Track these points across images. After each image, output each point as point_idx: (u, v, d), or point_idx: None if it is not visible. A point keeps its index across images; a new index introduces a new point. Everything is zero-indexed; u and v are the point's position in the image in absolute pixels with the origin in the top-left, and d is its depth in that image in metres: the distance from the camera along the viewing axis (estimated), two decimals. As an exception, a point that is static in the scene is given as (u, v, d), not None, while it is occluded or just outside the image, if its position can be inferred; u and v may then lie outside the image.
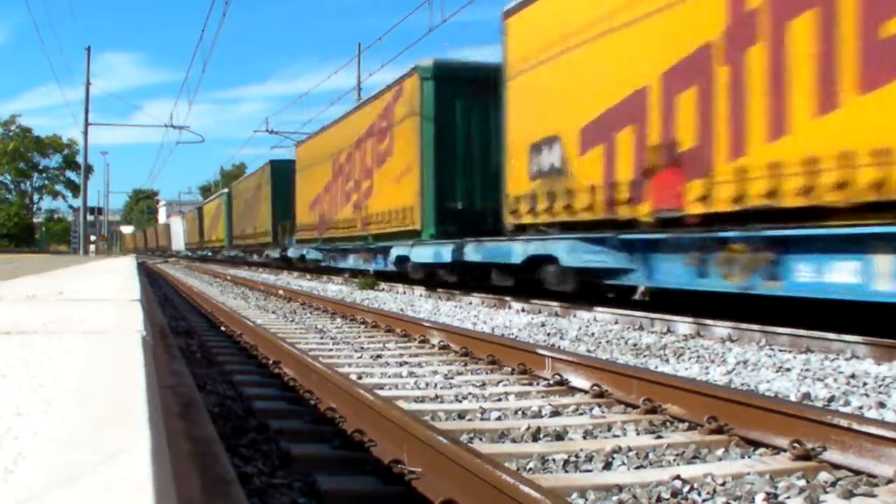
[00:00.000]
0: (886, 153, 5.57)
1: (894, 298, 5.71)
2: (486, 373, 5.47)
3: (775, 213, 6.58)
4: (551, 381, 4.93)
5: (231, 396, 4.46)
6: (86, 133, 33.45)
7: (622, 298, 9.89)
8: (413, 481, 2.84)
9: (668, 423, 3.84)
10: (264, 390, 4.74)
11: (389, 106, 15.79)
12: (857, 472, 2.93)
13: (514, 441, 3.56)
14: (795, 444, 3.14)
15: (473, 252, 11.83)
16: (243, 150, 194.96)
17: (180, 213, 57.19)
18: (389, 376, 5.36)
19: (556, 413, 4.14)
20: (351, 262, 18.89)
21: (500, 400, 4.52)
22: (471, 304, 11.71)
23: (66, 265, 10.35)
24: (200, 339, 7.32)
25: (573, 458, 3.18)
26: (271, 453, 3.20)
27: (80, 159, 50.75)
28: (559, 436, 3.63)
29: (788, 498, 2.70)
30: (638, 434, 3.65)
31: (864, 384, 4.77)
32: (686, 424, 3.77)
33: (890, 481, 2.80)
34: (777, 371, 5.31)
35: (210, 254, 43.41)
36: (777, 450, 3.26)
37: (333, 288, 16.78)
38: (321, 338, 7.72)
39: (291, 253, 24.44)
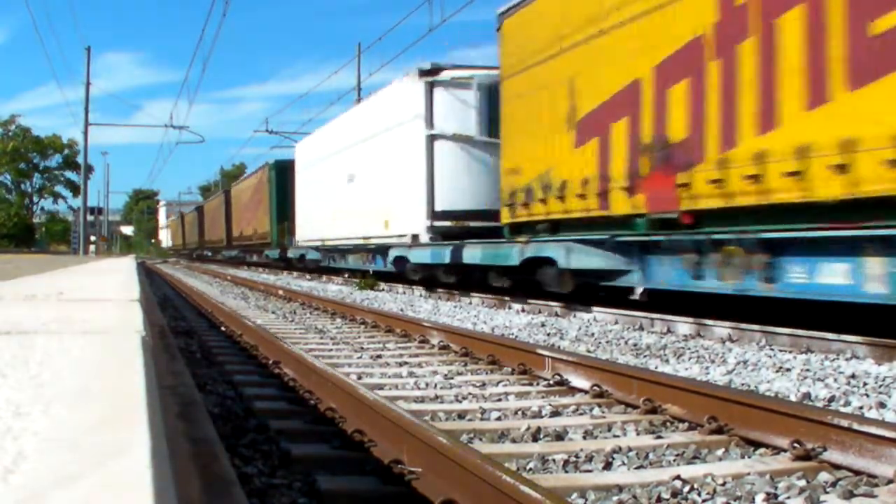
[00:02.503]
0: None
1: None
2: (486, 373, 5.47)
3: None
4: (551, 382, 4.93)
5: (231, 396, 4.46)
6: (86, 133, 33.48)
7: (621, 299, 9.83)
8: (413, 481, 2.84)
9: (668, 424, 3.84)
10: (264, 390, 4.74)
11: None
12: (857, 473, 2.93)
13: (514, 441, 3.55)
14: (796, 445, 3.14)
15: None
16: (243, 150, 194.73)
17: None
18: (389, 376, 5.36)
19: (556, 413, 4.13)
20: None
21: (500, 400, 4.52)
22: (471, 304, 11.71)
23: (65, 265, 10.35)
24: (200, 339, 7.32)
25: (573, 459, 3.18)
26: (271, 453, 3.20)
27: (80, 159, 50.69)
28: (559, 436, 3.63)
29: (788, 498, 2.70)
30: (638, 434, 3.65)
31: (865, 384, 4.77)
32: (686, 424, 3.77)
33: (890, 481, 2.80)
34: (777, 371, 5.31)
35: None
36: (777, 450, 3.26)
37: (333, 288, 16.77)
38: (321, 338, 7.73)
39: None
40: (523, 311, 10.27)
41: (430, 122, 13.47)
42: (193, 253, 50.91)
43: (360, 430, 3.46)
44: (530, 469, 3.07)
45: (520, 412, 4.13)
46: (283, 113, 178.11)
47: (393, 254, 14.88)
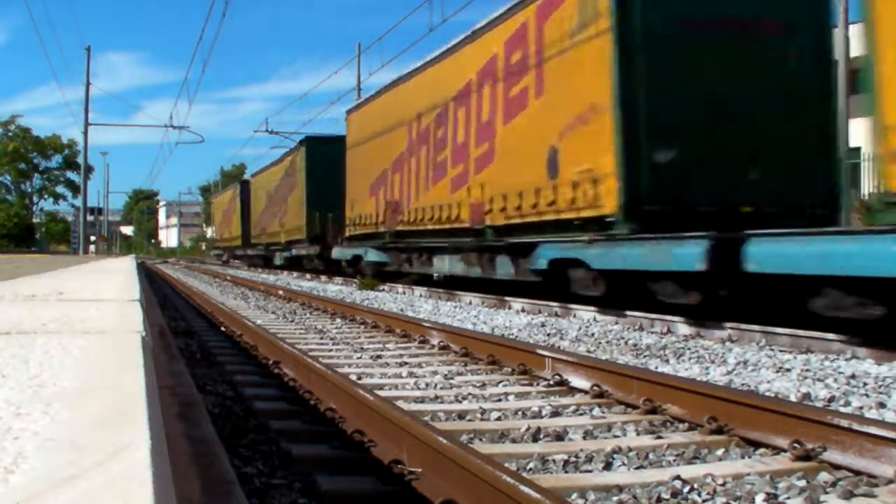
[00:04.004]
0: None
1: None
2: (486, 373, 5.47)
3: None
4: (551, 382, 4.93)
5: (231, 397, 4.46)
6: (86, 133, 33.50)
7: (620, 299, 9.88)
8: (413, 481, 2.84)
9: (668, 424, 3.84)
10: (264, 391, 4.74)
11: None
12: (857, 473, 2.93)
13: (513, 441, 3.55)
14: (795, 445, 3.14)
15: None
16: (243, 150, 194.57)
17: None
18: (389, 377, 5.35)
19: (556, 413, 4.13)
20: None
21: (500, 400, 4.52)
22: (470, 304, 11.71)
23: (65, 265, 10.35)
24: (200, 340, 7.32)
25: (573, 459, 3.18)
26: (271, 454, 3.20)
27: (80, 159, 50.64)
28: (559, 436, 3.63)
29: (788, 498, 2.70)
30: (638, 434, 3.65)
31: (865, 384, 4.77)
32: (686, 425, 3.77)
33: (890, 482, 2.80)
34: (777, 371, 5.31)
35: None
36: (777, 450, 3.26)
37: (333, 288, 16.78)
38: (321, 338, 7.72)
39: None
40: (523, 311, 10.27)
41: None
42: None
43: (360, 431, 3.46)
44: (530, 469, 3.07)
45: (520, 412, 4.13)
46: (283, 113, 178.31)
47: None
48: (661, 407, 4.01)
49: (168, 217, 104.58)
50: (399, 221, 15.31)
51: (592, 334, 7.57)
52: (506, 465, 2.78)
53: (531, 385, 4.96)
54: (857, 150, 13.10)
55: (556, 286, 10.04)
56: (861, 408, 4.09)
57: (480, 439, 3.57)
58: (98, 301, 3.26)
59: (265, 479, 2.87)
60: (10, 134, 63.04)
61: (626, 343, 6.92)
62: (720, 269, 7.03)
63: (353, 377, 4.89)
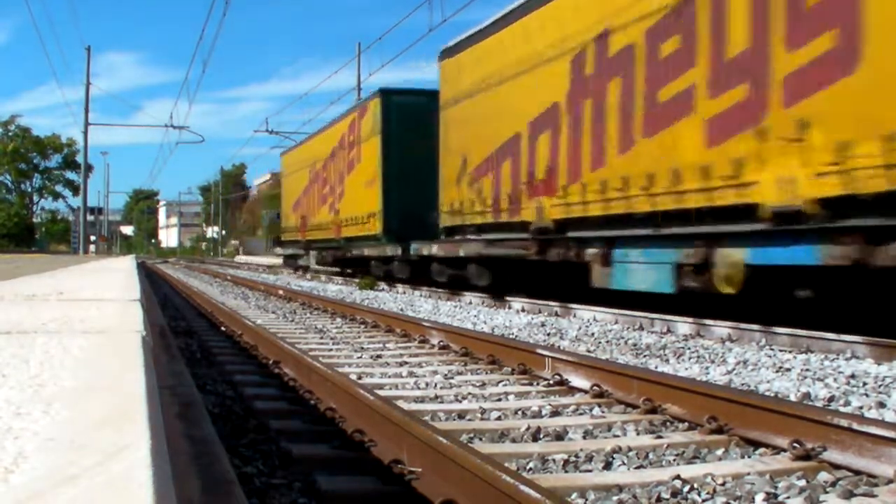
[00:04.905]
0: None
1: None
2: (486, 373, 5.47)
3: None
4: (551, 381, 4.93)
5: (231, 397, 4.46)
6: (86, 133, 33.50)
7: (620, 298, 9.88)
8: (413, 481, 2.84)
9: (668, 423, 3.84)
10: (264, 390, 4.74)
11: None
12: (857, 472, 2.93)
13: (513, 441, 3.55)
14: (795, 444, 3.14)
15: None
16: (243, 149, 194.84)
17: None
18: (389, 376, 5.36)
19: (556, 413, 4.13)
20: None
21: (500, 400, 4.52)
22: (470, 303, 11.71)
23: (65, 265, 10.35)
24: (200, 340, 7.32)
25: (573, 458, 3.18)
26: (271, 453, 3.20)
27: (79, 159, 50.65)
28: (559, 436, 3.63)
29: (788, 498, 2.70)
30: (638, 434, 3.65)
31: (864, 384, 4.77)
32: (686, 424, 3.77)
33: (890, 481, 2.80)
34: (777, 371, 5.31)
35: None
36: (777, 450, 3.26)
37: (333, 288, 16.78)
38: (321, 338, 7.72)
39: None
40: (523, 311, 10.27)
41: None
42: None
43: (360, 430, 3.46)
44: (530, 469, 3.07)
45: (520, 412, 4.13)
46: (283, 113, 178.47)
47: None
48: (660, 407, 4.01)
49: (168, 217, 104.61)
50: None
51: (592, 334, 7.57)
52: (506, 464, 2.78)
53: (531, 385, 4.96)
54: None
55: None
56: (861, 407, 4.09)
57: (480, 439, 3.57)
58: (98, 301, 3.26)
59: (265, 479, 2.87)
60: (10, 134, 62.99)
61: (625, 343, 6.92)
62: None
63: (354, 377, 4.89)
